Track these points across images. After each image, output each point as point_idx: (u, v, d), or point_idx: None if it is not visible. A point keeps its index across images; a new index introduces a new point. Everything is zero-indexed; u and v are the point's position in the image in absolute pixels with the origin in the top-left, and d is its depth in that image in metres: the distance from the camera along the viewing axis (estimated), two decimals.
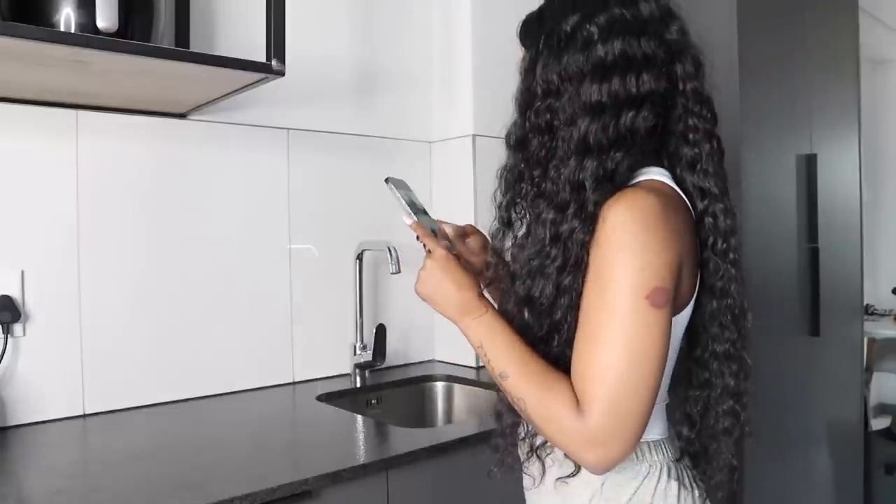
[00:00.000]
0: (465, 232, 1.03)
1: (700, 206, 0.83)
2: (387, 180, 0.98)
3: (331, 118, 1.79)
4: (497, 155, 2.03)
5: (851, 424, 2.44)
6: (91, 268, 1.42)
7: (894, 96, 4.01)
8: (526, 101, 0.86)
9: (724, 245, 0.84)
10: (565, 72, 0.81)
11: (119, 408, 1.44)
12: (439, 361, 1.97)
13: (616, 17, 0.79)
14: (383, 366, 1.75)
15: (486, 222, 1.00)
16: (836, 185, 2.27)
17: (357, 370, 1.71)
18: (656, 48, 0.79)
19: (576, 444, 0.74)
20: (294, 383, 1.71)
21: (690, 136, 0.83)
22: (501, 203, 0.89)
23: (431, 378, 1.83)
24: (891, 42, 3.79)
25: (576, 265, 0.77)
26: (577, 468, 0.83)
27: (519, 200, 0.87)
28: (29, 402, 1.34)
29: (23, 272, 1.34)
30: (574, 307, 0.77)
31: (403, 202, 0.97)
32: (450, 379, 1.81)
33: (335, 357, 1.77)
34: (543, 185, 0.83)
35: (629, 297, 0.72)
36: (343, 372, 1.78)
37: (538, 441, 0.87)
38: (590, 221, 0.76)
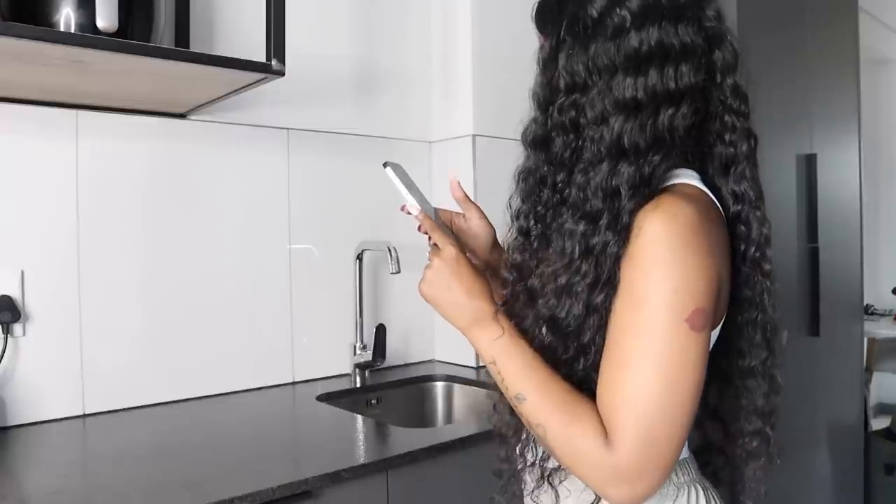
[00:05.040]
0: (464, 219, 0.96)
1: (733, 210, 0.77)
2: (385, 164, 0.90)
3: (331, 118, 1.79)
4: (497, 155, 2.02)
5: (851, 424, 2.44)
6: (91, 268, 1.42)
7: (894, 96, 4.01)
8: (547, 95, 0.77)
9: (758, 254, 0.77)
10: (593, 63, 0.71)
11: (119, 408, 1.44)
12: (439, 361, 1.97)
13: (650, 1, 0.70)
14: (383, 366, 1.75)
15: None
16: (836, 185, 2.28)
17: (357, 370, 1.71)
18: (694, 35, 0.71)
19: (602, 479, 0.66)
20: (294, 383, 1.71)
21: (727, 135, 0.76)
22: (520, 211, 0.80)
23: (431, 378, 1.83)
24: (891, 42, 3.79)
25: (608, 282, 0.69)
26: (598, 497, 0.74)
27: (539, 208, 0.78)
28: (29, 402, 1.34)
29: (23, 272, 1.34)
30: (603, 327, 0.69)
31: (405, 190, 0.88)
32: (450, 379, 1.81)
33: (335, 357, 1.77)
34: (568, 191, 0.74)
35: (666, 320, 0.65)
36: (343, 372, 1.78)
37: (550, 466, 0.78)
38: (624, 233, 0.68)
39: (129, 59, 1.11)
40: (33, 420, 1.34)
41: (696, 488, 0.78)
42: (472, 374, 1.82)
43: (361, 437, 1.33)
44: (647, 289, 0.66)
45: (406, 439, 1.29)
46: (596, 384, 0.69)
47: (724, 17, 0.75)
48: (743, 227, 0.77)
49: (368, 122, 1.86)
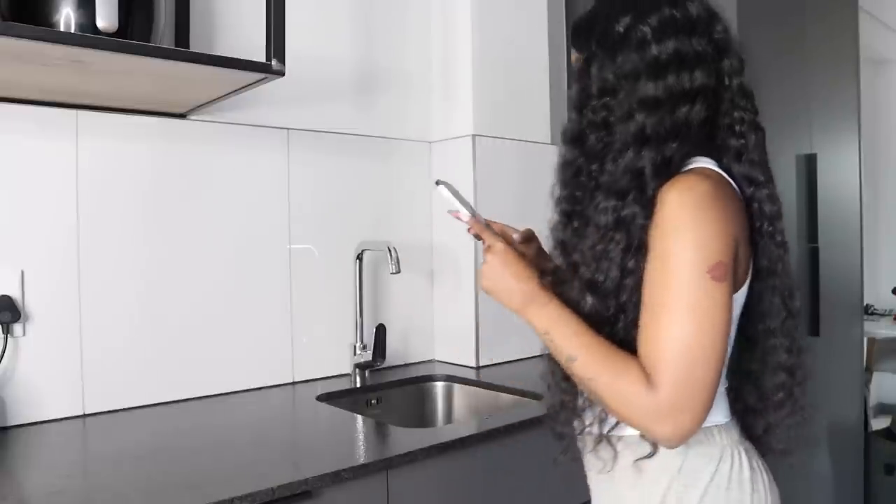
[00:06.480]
0: (528, 236, 1.08)
1: (747, 192, 0.88)
2: (437, 182, 1.03)
3: (331, 118, 1.79)
4: (497, 155, 2.03)
5: (851, 424, 2.44)
6: (91, 268, 1.42)
7: (894, 96, 4.01)
8: (582, 99, 0.89)
9: (771, 228, 0.89)
10: (620, 70, 0.85)
11: (119, 408, 1.44)
12: (439, 361, 1.97)
13: (667, 18, 0.83)
14: (383, 366, 1.75)
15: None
16: (836, 185, 2.27)
17: (357, 370, 1.71)
18: (706, 46, 0.84)
19: (648, 418, 0.77)
20: (294, 383, 1.71)
21: (737, 127, 0.88)
22: (561, 197, 0.92)
23: (431, 378, 1.83)
24: (891, 42, 3.79)
25: (638, 248, 0.81)
26: (654, 448, 0.85)
27: (578, 193, 0.90)
28: (29, 402, 1.34)
29: (23, 272, 1.34)
30: (637, 288, 0.81)
31: (457, 201, 1.01)
32: (450, 379, 1.81)
33: (335, 357, 1.77)
34: (601, 178, 0.86)
35: (692, 272, 0.76)
36: (343, 372, 1.78)
37: (607, 427, 0.88)
38: (649, 206, 0.80)
39: (129, 59, 1.11)
40: (33, 420, 1.34)
41: (737, 450, 0.88)
42: (472, 374, 1.82)
43: (361, 437, 1.33)
44: (672, 248, 0.78)
45: (406, 439, 1.29)
46: (634, 342, 0.81)
47: (730, 31, 0.88)
48: (756, 205, 0.89)
49: (368, 122, 1.86)
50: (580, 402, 0.90)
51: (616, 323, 0.83)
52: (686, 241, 0.77)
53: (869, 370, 3.12)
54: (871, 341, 3.17)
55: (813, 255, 2.11)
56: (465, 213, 1.00)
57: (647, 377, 0.77)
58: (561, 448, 0.96)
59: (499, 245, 0.93)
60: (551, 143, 2.07)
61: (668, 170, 0.82)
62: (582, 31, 0.92)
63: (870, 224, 2.85)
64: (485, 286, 0.94)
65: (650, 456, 0.85)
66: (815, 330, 2.11)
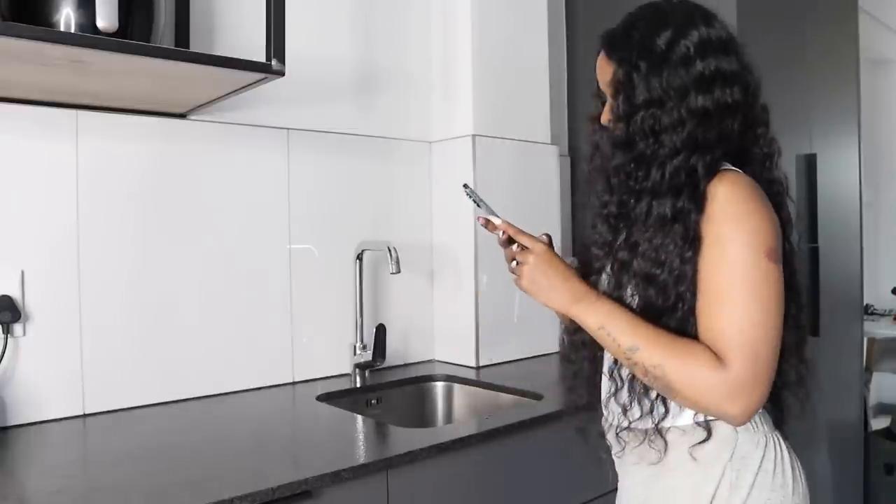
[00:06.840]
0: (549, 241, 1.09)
1: (771, 200, 0.92)
2: (465, 185, 1.06)
3: (331, 118, 1.79)
4: (497, 155, 2.03)
5: (851, 424, 2.45)
6: (91, 268, 1.42)
7: (894, 97, 4.01)
8: (627, 109, 0.93)
9: (788, 228, 0.95)
10: (668, 84, 0.90)
11: (119, 408, 1.44)
12: (439, 361, 1.97)
13: (705, 37, 0.90)
14: (383, 366, 1.75)
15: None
16: (836, 185, 2.28)
17: (357, 370, 1.71)
18: (736, 65, 0.91)
19: (721, 396, 0.81)
20: (294, 383, 1.71)
21: (761, 140, 0.97)
22: (609, 200, 0.95)
23: (431, 378, 1.83)
24: (891, 42, 3.79)
25: (694, 239, 0.86)
26: (709, 434, 0.89)
27: (624, 196, 0.93)
28: (29, 402, 1.34)
29: (23, 272, 1.34)
30: (695, 276, 0.86)
31: (487, 204, 1.03)
32: (450, 379, 1.81)
33: (335, 357, 1.77)
34: (645, 182, 0.91)
35: (750, 255, 0.82)
36: (343, 372, 1.78)
37: (657, 418, 0.91)
38: (700, 200, 0.86)
39: (129, 59, 1.11)
40: (33, 420, 1.34)
41: (774, 437, 0.93)
42: (471, 374, 1.82)
43: (361, 437, 1.33)
44: (729, 236, 0.84)
45: (406, 439, 1.29)
46: (690, 330, 0.86)
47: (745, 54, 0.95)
48: (778, 208, 0.93)
49: (368, 122, 1.86)
50: (625, 397, 0.93)
51: (674, 312, 0.87)
52: (742, 228, 0.83)
53: (869, 370, 3.12)
54: (871, 341, 3.17)
55: (813, 255, 2.11)
56: (496, 218, 1.01)
57: (716, 357, 0.81)
58: (603, 448, 1.02)
59: (539, 246, 0.96)
60: (551, 143, 2.07)
61: (714, 169, 0.88)
62: (619, 44, 0.96)
63: (870, 224, 2.85)
64: (524, 286, 0.96)
65: (706, 440, 0.89)
66: (815, 330, 2.10)
